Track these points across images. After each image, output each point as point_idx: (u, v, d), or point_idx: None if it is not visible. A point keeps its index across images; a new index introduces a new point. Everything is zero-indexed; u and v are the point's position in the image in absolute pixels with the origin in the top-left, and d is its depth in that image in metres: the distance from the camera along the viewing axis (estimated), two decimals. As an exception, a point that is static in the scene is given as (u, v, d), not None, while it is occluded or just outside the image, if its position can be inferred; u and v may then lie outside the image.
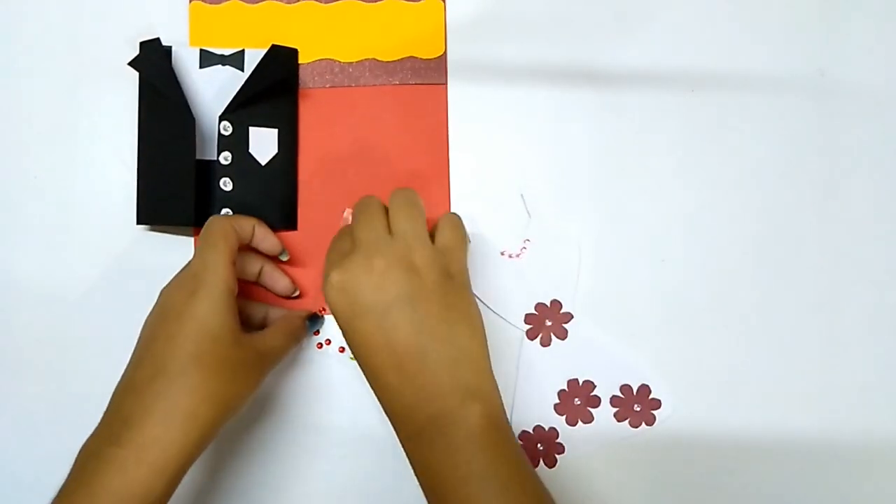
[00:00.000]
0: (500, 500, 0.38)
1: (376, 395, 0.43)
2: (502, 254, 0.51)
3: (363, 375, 0.43)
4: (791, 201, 0.51)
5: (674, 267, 0.50)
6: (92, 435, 0.40)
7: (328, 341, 0.50)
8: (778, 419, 0.50)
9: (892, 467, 0.50)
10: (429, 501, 0.41)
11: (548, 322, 0.50)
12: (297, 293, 0.50)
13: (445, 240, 0.45)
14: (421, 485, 0.41)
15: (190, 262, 0.44)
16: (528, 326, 0.50)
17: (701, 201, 0.51)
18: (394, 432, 0.43)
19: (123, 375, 0.42)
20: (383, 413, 0.43)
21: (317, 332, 0.50)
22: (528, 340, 0.50)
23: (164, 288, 0.44)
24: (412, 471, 0.41)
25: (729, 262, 0.51)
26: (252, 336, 0.43)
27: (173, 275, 0.44)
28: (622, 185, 0.51)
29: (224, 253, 0.43)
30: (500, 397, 0.43)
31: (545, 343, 0.50)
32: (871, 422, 0.50)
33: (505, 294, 0.50)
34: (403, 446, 0.42)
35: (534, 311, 0.50)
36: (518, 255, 0.51)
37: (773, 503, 0.49)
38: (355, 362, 0.43)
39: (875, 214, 0.51)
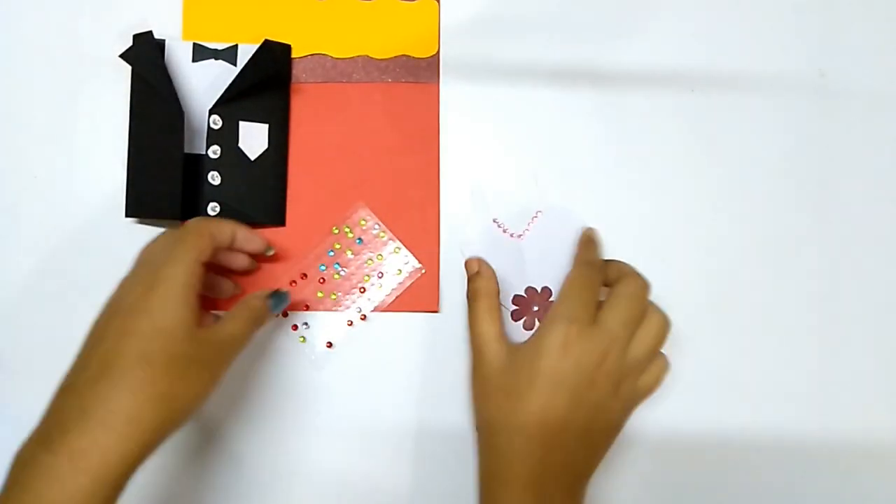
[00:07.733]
0: None
1: (486, 414, 0.44)
2: (505, 231, 0.50)
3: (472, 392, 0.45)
4: (791, 201, 0.51)
5: (673, 267, 0.50)
6: (27, 439, 0.37)
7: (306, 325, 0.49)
8: (778, 419, 0.49)
9: (892, 467, 0.49)
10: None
11: (535, 307, 0.49)
12: (272, 251, 0.47)
13: (653, 380, 0.45)
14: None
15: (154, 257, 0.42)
16: (515, 307, 0.49)
17: (700, 201, 0.51)
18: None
19: (66, 375, 0.39)
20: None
21: (285, 314, 0.49)
22: (513, 321, 0.49)
23: (121, 281, 0.41)
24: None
25: (728, 261, 0.50)
26: (208, 329, 0.40)
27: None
28: (620, 185, 0.50)
29: (190, 250, 0.40)
30: None
31: (528, 327, 0.49)
32: (871, 422, 0.49)
33: (499, 273, 0.48)
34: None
35: (523, 294, 0.49)
36: (521, 236, 0.50)
37: (773, 503, 0.49)
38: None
39: (874, 214, 0.51)
